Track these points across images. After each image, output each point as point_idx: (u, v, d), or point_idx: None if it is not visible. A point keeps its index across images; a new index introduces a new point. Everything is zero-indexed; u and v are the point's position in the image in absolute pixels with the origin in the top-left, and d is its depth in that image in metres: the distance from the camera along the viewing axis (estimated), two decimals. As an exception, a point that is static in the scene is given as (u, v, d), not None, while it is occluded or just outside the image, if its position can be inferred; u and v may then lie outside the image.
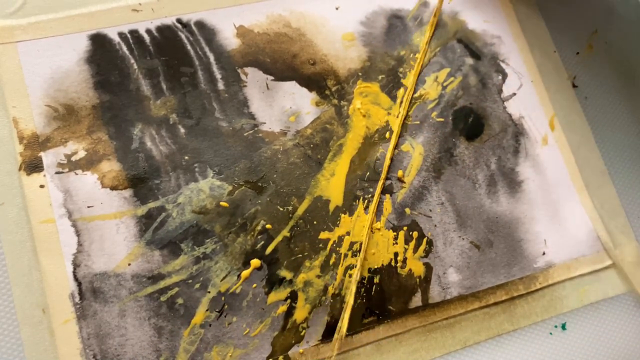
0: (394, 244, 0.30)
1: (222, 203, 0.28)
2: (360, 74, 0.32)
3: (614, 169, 0.35)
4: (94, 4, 0.30)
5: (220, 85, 0.30)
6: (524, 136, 0.34)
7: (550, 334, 0.31)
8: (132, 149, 0.28)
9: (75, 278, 0.26)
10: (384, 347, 0.28)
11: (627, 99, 0.36)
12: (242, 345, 0.27)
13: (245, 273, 0.28)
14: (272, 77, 0.31)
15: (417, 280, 0.30)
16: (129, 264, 0.27)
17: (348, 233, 0.29)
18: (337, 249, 0.29)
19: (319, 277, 0.28)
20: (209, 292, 0.27)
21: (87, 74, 0.29)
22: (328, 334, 0.28)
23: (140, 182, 0.28)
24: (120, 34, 0.30)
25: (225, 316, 0.27)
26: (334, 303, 0.28)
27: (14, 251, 0.26)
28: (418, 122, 0.32)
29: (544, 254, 0.32)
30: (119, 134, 0.28)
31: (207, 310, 0.27)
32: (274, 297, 0.28)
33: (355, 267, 0.29)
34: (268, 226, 0.28)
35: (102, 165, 0.28)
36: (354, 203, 0.30)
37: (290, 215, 0.29)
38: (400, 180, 0.31)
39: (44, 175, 0.27)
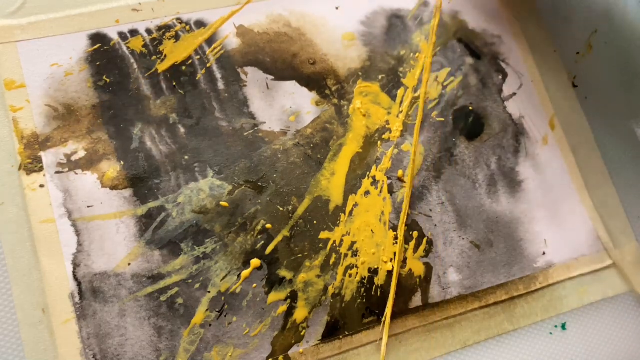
0: (394, 243, 0.30)
1: (222, 203, 0.28)
2: (360, 73, 0.32)
3: (614, 169, 0.35)
4: (94, 4, 0.30)
5: (220, 85, 0.30)
6: (524, 136, 0.34)
7: (550, 334, 0.31)
8: (132, 148, 0.28)
9: (75, 278, 0.26)
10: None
11: (627, 99, 0.36)
12: (242, 345, 0.27)
13: (245, 273, 0.28)
14: (272, 77, 0.31)
15: (417, 280, 0.30)
16: (129, 264, 0.27)
17: (348, 233, 0.29)
18: (338, 248, 0.29)
19: (319, 277, 0.28)
20: (209, 292, 0.27)
21: (87, 74, 0.29)
22: (328, 334, 0.28)
23: (140, 181, 0.28)
24: (121, 34, 0.30)
25: (225, 316, 0.27)
26: (334, 303, 0.28)
27: (14, 251, 0.26)
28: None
29: (544, 253, 0.32)
30: (119, 133, 0.28)
31: (207, 310, 0.27)
32: (274, 297, 0.28)
33: (356, 267, 0.29)
34: (268, 226, 0.28)
35: (102, 165, 0.28)
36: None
37: (290, 215, 0.29)
38: (401, 180, 0.31)
39: (44, 175, 0.27)
